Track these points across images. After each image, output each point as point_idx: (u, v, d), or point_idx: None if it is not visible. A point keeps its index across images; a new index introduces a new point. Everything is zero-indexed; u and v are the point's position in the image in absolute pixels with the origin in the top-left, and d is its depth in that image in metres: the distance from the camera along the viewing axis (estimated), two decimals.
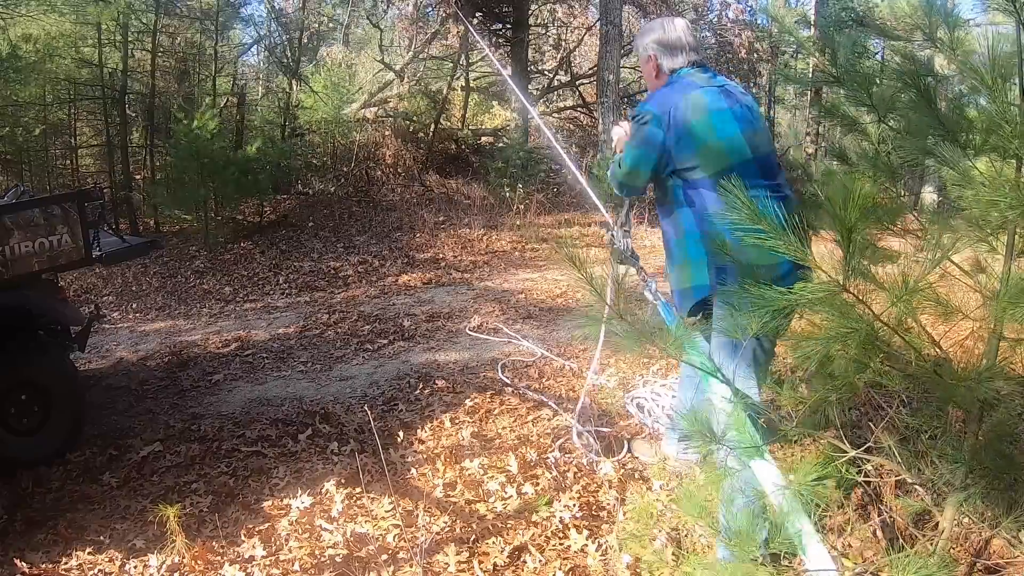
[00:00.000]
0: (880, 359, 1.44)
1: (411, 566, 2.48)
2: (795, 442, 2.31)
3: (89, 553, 2.72)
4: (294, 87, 12.11)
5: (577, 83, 14.83)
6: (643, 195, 2.76)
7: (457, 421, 3.64)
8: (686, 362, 1.98)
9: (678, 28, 2.48)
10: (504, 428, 3.54)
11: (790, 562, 1.73)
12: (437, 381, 4.19)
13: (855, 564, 2.10)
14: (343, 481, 3.08)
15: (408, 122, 13.16)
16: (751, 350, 2.23)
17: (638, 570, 2.37)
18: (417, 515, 2.78)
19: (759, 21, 15.42)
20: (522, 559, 2.51)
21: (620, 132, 2.68)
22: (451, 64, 13.77)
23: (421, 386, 4.16)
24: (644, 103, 2.43)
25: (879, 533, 2.31)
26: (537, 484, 2.96)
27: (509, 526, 2.70)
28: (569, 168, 3.10)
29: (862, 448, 1.66)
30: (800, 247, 1.32)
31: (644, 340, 1.56)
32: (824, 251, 1.42)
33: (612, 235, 2.81)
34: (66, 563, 2.68)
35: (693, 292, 2.35)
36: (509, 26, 12.64)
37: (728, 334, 2.11)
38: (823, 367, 1.47)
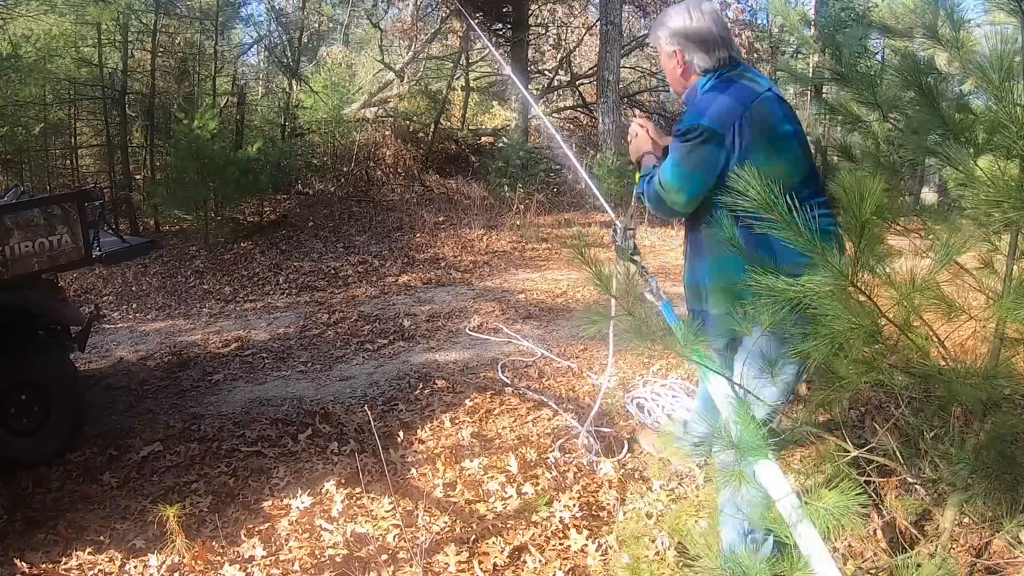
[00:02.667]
0: (884, 357, 1.44)
1: (411, 566, 2.48)
2: (796, 442, 2.30)
3: (89, 553, 2.71)
4: (294, 87, 12.10)
5: (577, 83, 14.84)
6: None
7: (457, 421, 3.64)
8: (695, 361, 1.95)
9: (706, 16, 2.11)
10: (504, 428, 3.53)
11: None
12: (437, 381, 4.19)
13: (856, 565, 2.09)
14: (343, 481, 3.07)
15: (408, 122, 13.16)
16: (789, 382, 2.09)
17: (638, 570, 2.36)
18: (417, 515, 2.78)
19: (759, 21, 15.46)
20: (522, 559, 2.51)
21: (641, 135, 2.41)
22: (451, 64, 13.77)
23: (421, 386, 4.15)
24: (696, 115, 2.04)
25: (879, 533, 2.31)
26: (537, 484, 2.96)
27: (509, 526, 2.70)
28: (572, 164, 3.05)
29: (864, 448, 1.66)
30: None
31: (651, 338, 1.55)
32: None
33: (615, 232, 2.58)
34: (66, 563, 2.67)
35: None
36: (509, 26, 12.65)
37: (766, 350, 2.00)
38: (826, 354, 1.45)
